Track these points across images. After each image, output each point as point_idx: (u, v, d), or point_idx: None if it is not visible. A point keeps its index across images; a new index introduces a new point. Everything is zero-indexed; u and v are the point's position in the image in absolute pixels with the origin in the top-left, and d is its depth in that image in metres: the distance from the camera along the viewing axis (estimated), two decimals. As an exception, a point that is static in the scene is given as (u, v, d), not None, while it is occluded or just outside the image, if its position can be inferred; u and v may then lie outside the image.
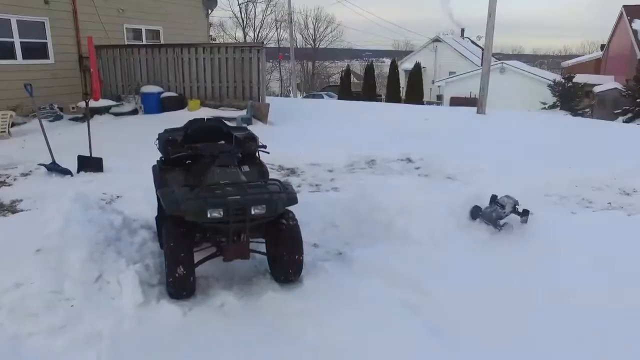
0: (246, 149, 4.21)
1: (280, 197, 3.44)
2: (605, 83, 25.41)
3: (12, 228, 3.97)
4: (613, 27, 29.63)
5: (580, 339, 3.04)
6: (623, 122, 18.83)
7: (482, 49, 17.65)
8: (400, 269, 3.85)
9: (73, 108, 11.67)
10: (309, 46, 53.04)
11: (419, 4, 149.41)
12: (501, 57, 46.66)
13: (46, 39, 11.60)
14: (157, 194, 3.98)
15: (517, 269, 3.93)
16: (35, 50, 11.44)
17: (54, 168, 6.69)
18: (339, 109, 14.43)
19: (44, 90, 10.72)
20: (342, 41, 55.24)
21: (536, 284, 3.68)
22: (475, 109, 14.69)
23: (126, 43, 13.51)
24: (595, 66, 33.47)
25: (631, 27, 24.01)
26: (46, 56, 11.67)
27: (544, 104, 26.74)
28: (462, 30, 47.94)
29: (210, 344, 3.00)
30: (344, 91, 30.12)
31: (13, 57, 10.92)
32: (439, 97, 33.30)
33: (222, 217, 3.28)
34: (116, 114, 11.29)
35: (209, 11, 17.25)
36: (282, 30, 47.31)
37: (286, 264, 3.59)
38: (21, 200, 5.78)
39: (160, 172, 4.18)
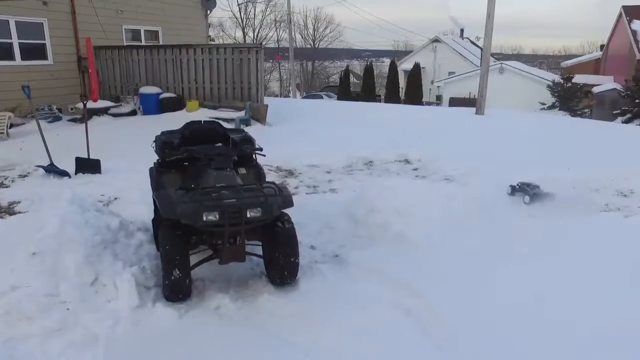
0: (242, 151, 4.22)
1: (276, 200, 3.45)
2: (604, 83, 25.41)
3: (8, 230, 3.97)
4: (612, 28, 29.64)
5: (578, 341, 3.04)
6: (622, 122, 18.84)
7: (482, 49, 17.65)
8: (396, 272, 3.86)
9: (72, 109, 11.67)
10: (309, 46, 53.06)
11: (419, 4, 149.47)
12: (501, 57, 46.71)
13: (45, 39, 11.60)
14: (153, 197, 3.99)
15: (514, 271, 3.93)
16: (34, 51, 11.44)
17: (52, 169, 6.69)
18: (337, 110, 14.44)
19: (43, 91, 10.74)
20: (341, 41, 55.28)
21: (533, 286, 3.68)
22: (474, 109, 14.71)
23: (125, 44, 13.50)
24: (595, 66, 33.48)
25: (630, 27, 24.01)
26: (45, 57, 11.67)
27: (543, 104, 26.74)
28: (462, 30, 47.90)
29: (205, 347, 3.01)
30: (343, 91, 30.10)
31: (11, 58, 10.91)
32: (438, 98, 33.29)
33: (218, 221, 3.29)
34: (115, 115, 11.30)
35: (208, 12, 17.24)
36: (281, 31, 47.35)
37: (282, 267, 3.60)
38: (19, 202, 5.79)
39: (157, 174, 4.19)
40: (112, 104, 11.62)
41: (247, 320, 3.27)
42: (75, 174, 6.79)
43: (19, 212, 5.45)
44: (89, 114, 10.61)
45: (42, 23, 11.47)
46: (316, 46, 53.36)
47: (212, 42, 22.41)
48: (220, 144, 4.31)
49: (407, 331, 3.12)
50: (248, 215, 3.35)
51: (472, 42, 45.02)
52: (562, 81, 26.71)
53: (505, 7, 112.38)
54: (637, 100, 19.91)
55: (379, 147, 8.81)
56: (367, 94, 28.79)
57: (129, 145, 8.60)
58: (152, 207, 4.54)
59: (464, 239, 4.47)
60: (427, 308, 3.38)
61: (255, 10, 50.29)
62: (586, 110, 25.30)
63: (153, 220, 4.25)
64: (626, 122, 19.31)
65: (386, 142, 9.28)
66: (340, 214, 5.08)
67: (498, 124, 12.47)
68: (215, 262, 3.67)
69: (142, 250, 4.08)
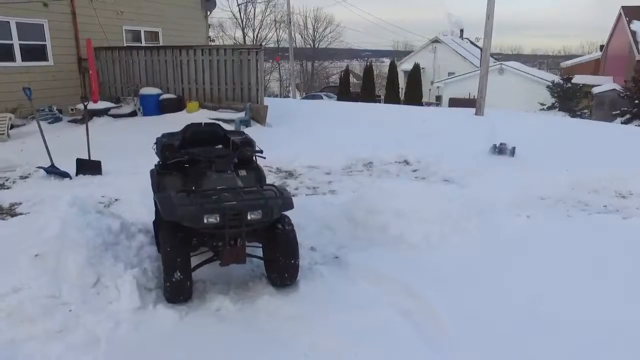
0: (243, 153, 4.25)
1: (276, 203, 3.48)
2: (603, 84, 25.42)
3: (10, 232, 3.98)
4: (612, 28, 29.66)
5: (577, 342, 3.06)
6: (621, 123, 18.86)
7: (481, 50, 17.68)
8: (395, 273, 3.88)
9: (72, 110, 11.69)
10: (308, 46, 53.08)
11: (419, 4, 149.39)
12: (500, 57, 46.76)
13: (45, 41, 11.62)
14: (154, 199, 4.01)
15: (513, 273, 3.96)
16: (35, 52, 11.46)
17: (52, 171, 6.71)
18: (337, 111, 14.45)
19: (43, 92, 10.76)
20: (341, 41, 55.31)
21: (532, 287, 3.71)
22: (473, 110, 14.73)
23: (125, 45, 13.53)
24: (595, 67, 33.50)
25: (630, 28, 24.01)
26: (45, 58, 11.69)
27: (543, 105, 26.76)
28: (461, 31, 47.91)
29: (206, 349, 3.03)
30: (343, 92, 30.11)
31: (12, 59, 10.93)
32: (438, 98, 33.30)
33: (219, 223, 3.31)
34: (115, 116, 11.32)
35: (208, 13, 17.27)
36: (281, 31, 47.38)
37: (282, 269, 3.62)
38: (20, 204, 5.81)
39: (158, 176, 4.21)
40: (113, 105, 11.64)
41: (247, 322, 3.29)
42: (76, 175, 6.81)
43: (21, 214, 5.47)
44: (89, 115, 10.64)
45: (43, 24, 11.48)
46: (316, 46, 53.40)
47: (212, 43, 22.43)
48: (220, 146, 4.34)
49: (406, 333, 3.14)
50: (248, 218, 3.37)
51: (471, 43, 45.05)
52: (561, 82, 26.74)
53: (505, 8, 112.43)
54: (636, 101, 19.92)
55: (379, 148, 8.83)
56: (367, 94, 28.79)
57: (129, 147, 8.62)
58: (153, 209, 4.57)
59: (463, 241, 4.50)
60: (426, 310, 3.41)
61: (255, 10, 50.32)
62: (585, 111, 25.33)
63: (154, 222, 4.27)
64: (625, 122, 19.32)
65: (386, 143, 9.30)
66: (339, 215, 5.11)
67: (497, 125, 12.48)
68: (216, 264, 3.69)
69: (143, 252, 4.10)
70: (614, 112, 20.99)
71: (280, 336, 3.12)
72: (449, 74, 35.36)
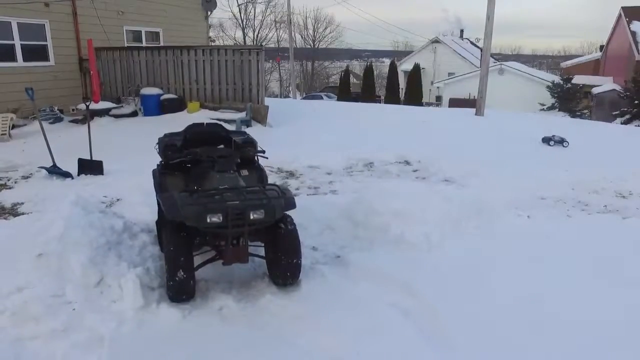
0: (245, 153, 4.27)
1: (279, 202, 3.50)
2: (603, 84, 25.45)
3: (13, 232, 4.01)
4: (612, 29, 29.69)
5: (577, 341, 3.08)
6: (621, 123, 18.89)
7: (482, 50, 17.71)
8: (395, 273, 3.90)
9: (73, 110, 11.72)
10: (308, 46, 53.10)
11: (419, 5, 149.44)
12: (500, 57, 46.78)
13: (46, 41, 11.64)
14: (157, 199, 4.03)
15: (512, 272, 3.98)
16: (36, 53, 11.48)
17: (54, 171, 6.73)
18: (337, 111, 14.49)
19: (44, 93, 10.77)
20: (341, 42, 55.35)
21: (531, 287, 3.73)
22: (473, 110, 14.76)
23: (126, 45, 13.55)
24: (594, 67, 33.53)
25: (630, 28, 24.04)
26: (46, 58, 11.71)
27: (543, 105, 26.79)
28: (461, 31, 48.02)
29: (209, 347, 3.05)
30: (343, 92, 30.15)
31: (13, 59, 10.95)
32: (438, 98, 33.35)
33: (222, 222, 3.33)
34: (116, 116, 11.34)
35: (209, 13, 17.28)
36: (281, 31, 47.42)
37: (284, 268, 3.64)
38: (22, 203, 5.83)
39: (160, 176, 4.24)
40: (114, 105, 11.66)
41: (250, 321, 3.31)
42: (78, 175, 6.83)
43: (23, 214, 5.49)
44: (90, 115, 10.66)
45: (44, 24, 11.51)
46: (316, 46, 53.43)
47: (213, 43, 22.45)
48: (222, 146, 4.36)
49: (407, 332, 3.16)
50: (251, 217, 3.39)
51: (472, 43, 45.08)
52: (561, 82, 26.77)
53: (505, 8, 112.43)
54: (636, 101, 19.95)
55: (379, 148, 8.86)
56: (367, 94, 28.84)
57: (130, 147, 8.64)
58: (155, 209, 4.60)
59: (463, 241, 4.52)
60: (427, 309, 3.42)
61: (255, 10, 50.39)
62: (585, 111, 25.35)
63: (157, 222, 4.29)
64: (625, 123, 19.36)
65: (386, 144, 9.33)
66: (341, 215, 5.12)
67: (497, 125, 12.52)
68: (218, 264, 3.72)
69: (146, 251, 4.12)
70: (613, 113, 21.02)
71: (283, 335, 3.15)
72: (449, 74, 35.39)
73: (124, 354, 2.97)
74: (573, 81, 26.53)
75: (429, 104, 28.77)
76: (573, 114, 24.61)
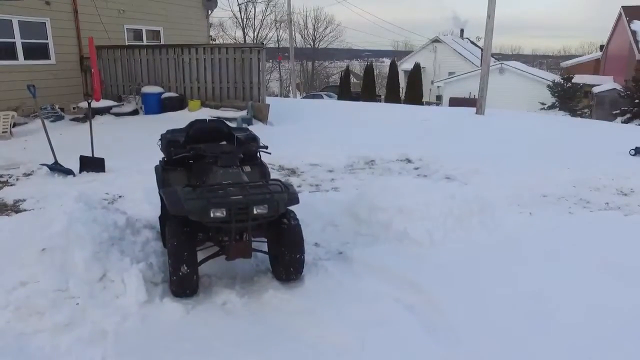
0: (247, 149, 4.27)
1: (282, 197, 3.50)
2: (604, 84, 25.46)
3: (16, 227, 4.00)
4: (612, 28, 29.68)
5: (579, 334, 3.08)
6: (621, 122, 18.89)
7: (482, 50, 17.71)
8: (399, 269, 3.91)
9: (74, 108, 11.72)
10: (309, 46, 53.12)
11: (419, 4, 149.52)
12: (500, 57, 46.75)
13: (47, 39, 11.65)
14: (160, 194, 4.03)
15: (515, 268, 3.98)
16: (37, 51, 11.50)
17: (56, 168, 6.73)
18: (338, 110, 14.49)
19: (45, 91, 10.78)
20: (341, 41, 55.36)
21: (534, 282, 3.73)
22: (474, 109, 14.76)
23: (127, 43, 13.55)
24: (595, 67, 33.52)
25: (630, 27, 24.03)
26: (47, 57, 11.72)
27: (543, 104, 26.79)
28: (462, 30, 47.98)
29: (212, 342, 3.05)
30: (344, 91, 30.13)
31: (14, 57, 10.97)
32: (438, 98, 33.34)
33: (225, 217, 3.33)
34: (117, 115, 11.36)
35: (209, 12, 17.30)
36: (281, 31, 47.42)
37: (288, 263, 3.65)
38: (24, 200, 5.83)
39: (163, 172, 4.24)
40: (114, 103, 11.68)
41: (254, 316, 3.31)
42: (80, 172, 6.83)
43: (25, 210, 5.49)
44: (91, 113, 10.67)
45: (45, 23, 11.52)
46: (316, 46, 53.45)
47: (214, 42, 22.44)
48: (224, 143, 4.37)
49: (411, 326, 3.16)
50: (254, 212, 3.39)
51: (472, 43, 45.09)
52: (562, 81, 26.76)
53: (505, 8, 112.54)
54: (636, 101, 19.96)
55: (380, 146, 8.87)
56: (368, 93, 28.81)
57: (131, 145, 8.66)
58: (157, 205, 4.61)
59: (466, 237, 4.53)
60: (430, 304, 3.43)
61: (255, 10, 50.38)
62: (586, 110, 25.34)
63: (160, 217, 4.29)
64: (626, 122, 19.36)
65: (387, 142, 9.34)
66: (343, 212, 5.13)
67: (498, 124, 12.52)
68: (221, 259, 3.72)
69: (149, 247, 4.11)
70: (614, 112, 21.02)
71: (287, 329, 3.15)
72: (449, 73, 35.36)
73: (128, 348, 2.98)
74: (573, 80, 26.52)
75: (429, 103, 28.77)
76: (573, 113, 24.61)
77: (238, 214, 3.35)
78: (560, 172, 7.40)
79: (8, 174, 6.99)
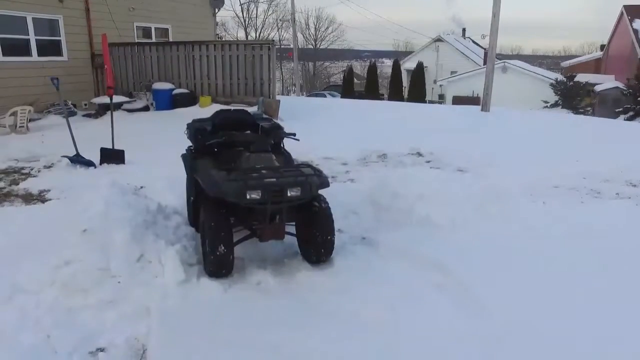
0: (274, 137, 4.40)
1: (314, 180, 3.63)
2: (606, 82, 25.61)
3: (53, 213, 4.15)
4: (613, 27, 29.83)
5: (605, 310, 3.21)
6: (624, 120, 19.04)
7: (484, 49, 17.86)
8: (424, 252, 4.04)
9: (86, 105, 11.85)
10: (310, 46, 53.26)
11: (421, 4, 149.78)
12: (501, 57, 46.79)
13: (60, 36, 11.78)
14: (190, 178, 4.17)
15: (537, 254, 4.11)
16: (50, 48, 11.63)
17: (77, 160, 6.86)
18: (345, 107, 14.63)
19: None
20: (343, 41, 55.48)
21: (557, 263, 3.87)
22: (479, 107, 14.90)
23: (137, 41, 13.68)
24: (596, 66, 33.68)
25: (632, 26, 24.21)
26: (60, 53, 11.85)
27: (546, 102, 26.95)
28: (464, 30, 48.14)
29: (252, 316, 3.18)
30: (347, 90, 30.28)
31: (29, 54, 11.09)
32: (441, 97, 33.50)
33: (261, 199, 3.46)
34: (129, 111, 11.48)
35: (216, 10, 17.43)
36: (283, 31, 47.55)
37: (319, 245, 3.77)
38: (49, 190, 5.95)
39: (192, 159, 4.36)
40: (126, 99, 11.81)
41: (290, 294, 3.43)
42: (100, 164, 6.96)
43: (51, 200, 5.61)
44: (103, 109, 10.84)
45: (58, 20, 11.65)
46: (317, 46, 53.58)
47: (224, 39, 22.56)
48: (249, 132, 4.50)
49: (442, 303, 3.29)
50: (288, 194, 3.52)
51: (474, 42, 45.23)
52: (564, 80, 26.91)
53: (506, 8, 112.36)
54: (639, 99, 20.11)
55: (391, 141, 8.99)
56: (371, 92, 28.96)
57: (145, 139, 8.78)
58: (180, 195, 4.75)
59: (486, 222, 4.66)
60: (458, 283, 3.55)
61: (257, 10, 50.45)
62: (588, 109, 25.49)
63: (191, 202, 4.40)
64: (628, 119, 19.50)
65: (397, 137, 9.46)
66: (363, 200, 5.25)
67: (504, 120, 12.66)
68: (249, 244, 3.85)
69: (180, 231, 4.25)
70: (617, 110, 21.17)
71: (323, 306, 3.27)
72: (452, 72, 35.51)
73: (172, 323, 3.10)
74: (576, 79, 26.68)
75: (432, 102, 28.91)
76: (576, 111, 24.75)
77: (273, 195, 3.48)
78: (570, 165, 7.53)
79: (29, 167, 7.12)
